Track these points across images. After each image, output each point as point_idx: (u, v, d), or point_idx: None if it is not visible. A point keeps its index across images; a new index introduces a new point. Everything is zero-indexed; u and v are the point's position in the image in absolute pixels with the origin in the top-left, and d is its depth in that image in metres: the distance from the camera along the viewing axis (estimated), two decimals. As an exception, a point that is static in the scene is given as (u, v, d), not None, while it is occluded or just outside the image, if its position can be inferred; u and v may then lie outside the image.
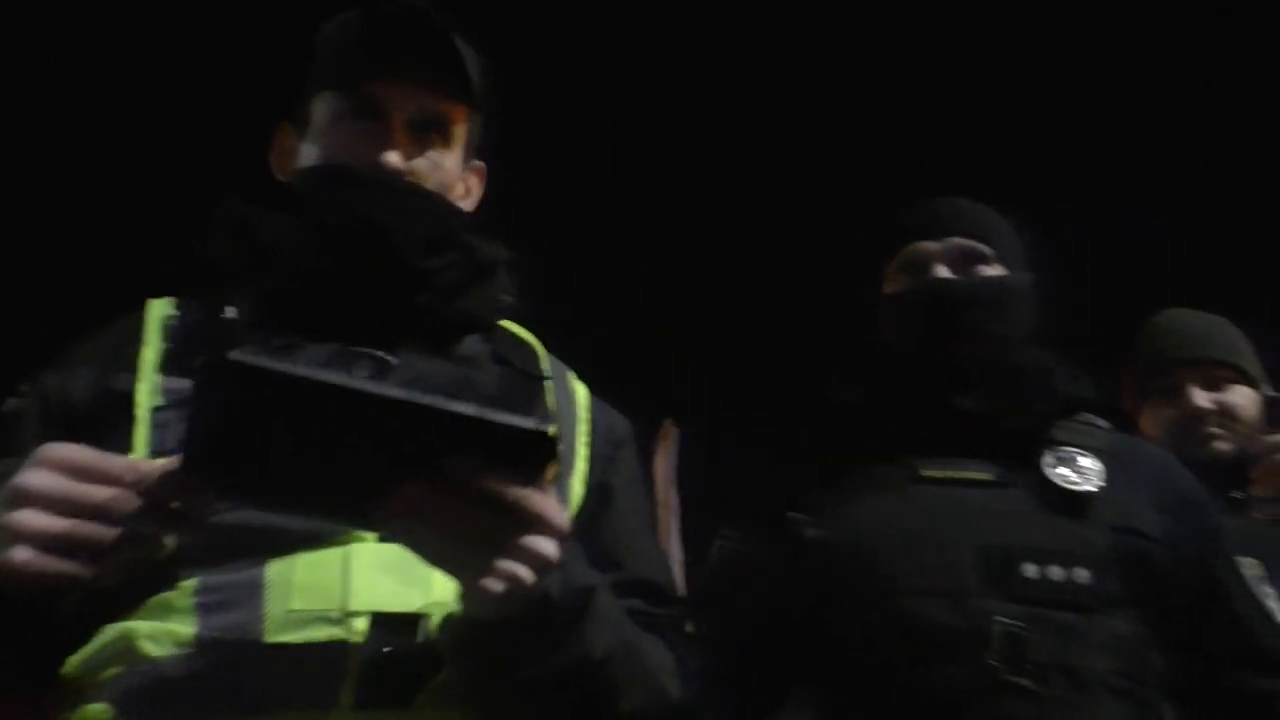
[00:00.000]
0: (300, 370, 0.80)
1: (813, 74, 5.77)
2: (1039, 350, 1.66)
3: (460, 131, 1.28)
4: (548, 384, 1.24)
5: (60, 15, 5.01)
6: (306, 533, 1.01)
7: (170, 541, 0.86)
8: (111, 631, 1.00)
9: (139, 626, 0.99)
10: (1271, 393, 2.08)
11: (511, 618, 0.91)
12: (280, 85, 1.35)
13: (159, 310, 1.19)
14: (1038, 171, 5.48)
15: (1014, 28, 5.52)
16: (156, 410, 1.08)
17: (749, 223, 6.21)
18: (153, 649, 0.98)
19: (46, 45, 5.11)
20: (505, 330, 1.29)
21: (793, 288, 5.71)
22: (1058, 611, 1.43)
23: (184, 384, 1.06)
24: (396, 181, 1.20)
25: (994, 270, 1.65)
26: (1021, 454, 1.54)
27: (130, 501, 0.83)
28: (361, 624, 0.99)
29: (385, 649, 0.99)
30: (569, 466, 1.20)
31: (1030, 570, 1.44)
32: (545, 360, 1.28)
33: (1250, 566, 1.60)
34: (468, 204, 1.35)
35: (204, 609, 1.00)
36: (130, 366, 1.12)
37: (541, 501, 0.87)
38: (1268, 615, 1.56)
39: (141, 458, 1.04)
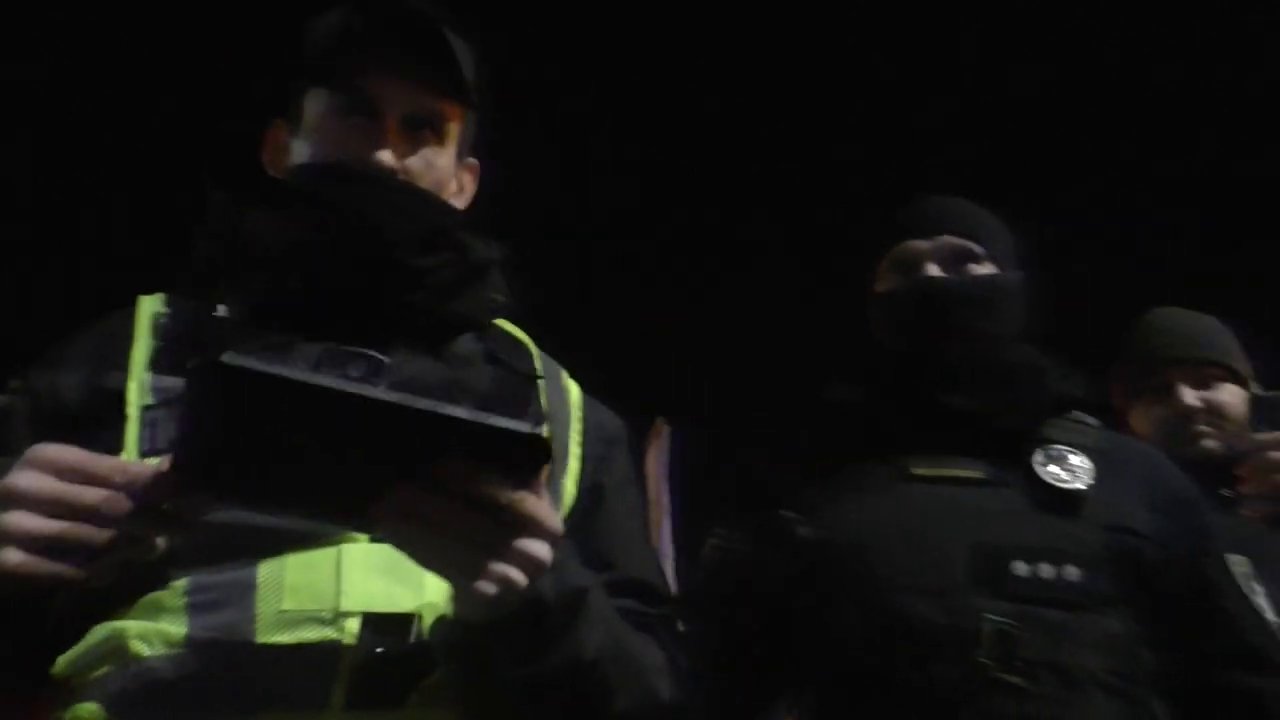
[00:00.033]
0: (293, 373, 0.80)
1: (812, 74, 5.76)
2: (1030, 348, 1.66)
3: (454, 129, 1.28)
4: (541, 383, 1.24)
5: (60, 15, 5.01)
6: (298, 533, 1.00)
7: (161, 542, 0.86)
8: (102, 631, 1.00)
9: (130, 626, 0.99)
10: (1259, 391, 2.09)
11: (504, 620, 0.91)
12: (277, 83, 1.35)
13: (149, 307, 1.18)
14: (1037, 172, 5.47)
15: (1014, 28, 5.51)
16: (147, 409, 1.07)
17: (748, 223, 6.21)
18: (144, 649, 0.98)
19: (46, 45, 5.11)
20: (499, 329, 1.29)
21: (789, 288, 5.71)
22: (1048, 609, 1.43)
23: (174, 382, 1.06)
24: (390, 180, 1.19)
25: (985, 269, 1.65)
26: (1013, 452, 1.55)
27: (121, 503, 0.83)
28: (353, 625, 0.99)
29: (377, 650, 0.99)
30: (562, 466, 1.20)
31: (1021, 568, 1.44)
32: (539, 359, 1.28)
33: (1239, 564, 1.60)
34: (461, 202, 1.35)
35: (195, 609, 0.99)
36: (121, 364, 1.11)
37: (535, 504, 0.87)
38: (1257, 613, 1.56)
39: (132, 457, 1.04)
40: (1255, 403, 1.97)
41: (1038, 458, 1.53)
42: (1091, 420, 1.66)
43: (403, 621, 1.01)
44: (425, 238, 1.20)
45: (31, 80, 5.08)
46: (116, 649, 0.99)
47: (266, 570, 1.00)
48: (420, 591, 1.01)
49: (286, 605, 0.99)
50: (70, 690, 1.00)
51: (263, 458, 0.82)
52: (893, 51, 5.75)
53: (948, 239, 1.64)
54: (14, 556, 0.83)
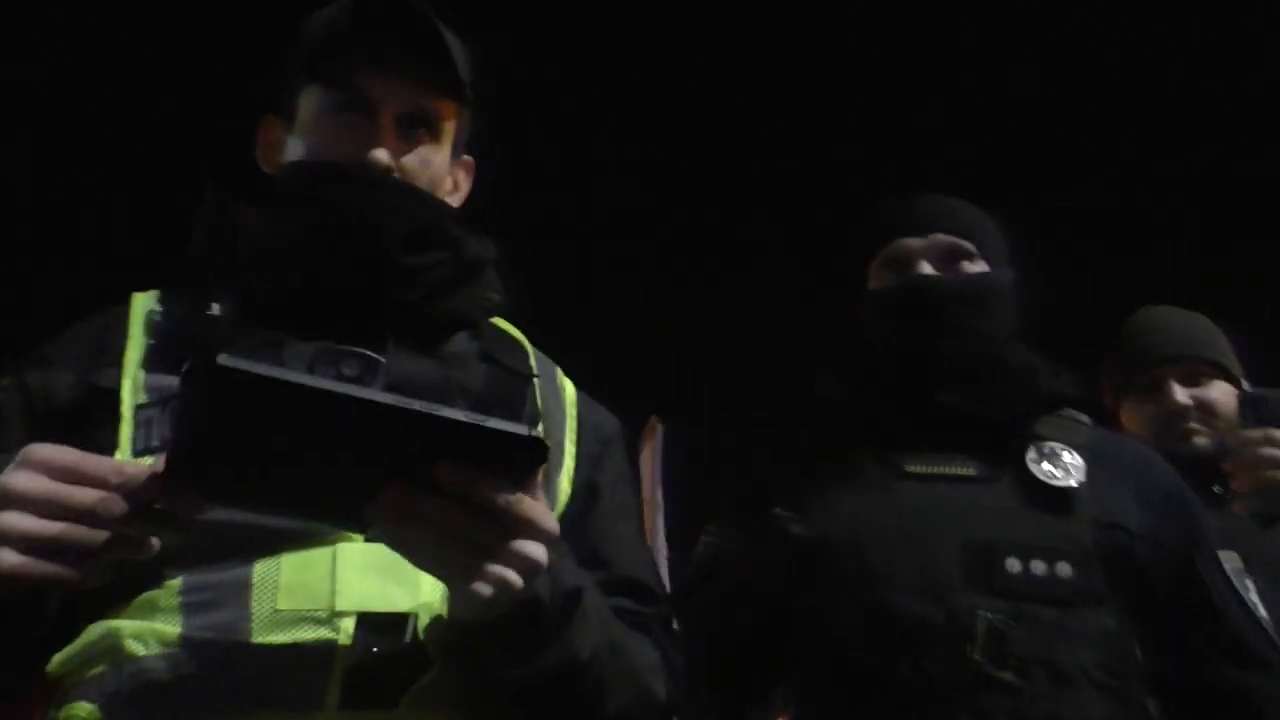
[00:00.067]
0: (289, 375, 0.79)
1: (812, 74, 5.76)
2: (1022, 346, 1.67)
3: (449, 128, 1.28)
4: (536, 381, 1.23)
5: (60, 15, 5.01)
6: (293, 532, 1.00)
7: (156, 543, 0.86)
8: (96, 630, 1.00)
9: (124, 625, 0.99)
10: (1249, 388, 2.09)
11: (499, 620, 0.91)
12: (271, 79, 1.34)
13: (143, 304, 1.17)
14: (1036, 171, 5.47)
15: (1013, 28, 5.51)
16: (141, 408, 1.07)
17: (748, 223, 6.21)
18: (138, 648, 0.98)
19: (46, 45, 5.11)
20: (494, 327, 1.28)
21: (788, 287, 5.70)
22: (1041, 606, 1.44)
23: (168, 381, 1.05)
24: (384, 178, 1.19)
25: (977, 266, 1.65)
26: (1005, 449, 1.55)
27: (116, 503, 0.82)
28: (348, 624, 0.99)
29: (372, 650, 0.98)
30: (557, 464, 1.19)
31: (1013, 565, 1.45)
32: (533, 357, 1.27)
33: (1231, 560, 1.60)
34: (457, 199, 1.34)
35: (190, 608, 0.99)
36: (114, 362, 1.11)
37: (531, 506, 0.87)
38: (1249, 609, 1.56)
39: (126, 456, 1.03)
40: (1244, 400, 1.97)
41: (1030, 455, 1.54)
42: (1084, 418, 1.66)
43: (398, 621, 1.00)
44: (419, 236, 1.19)
45: (31, 80, 5.08)
46: (111, 648, 0.98)
47: (261, 570, 1.00)
48: (416, 591, 1.01)
49: (282, 605, 0.99)
50: (64, 689, 1.00)
51: (258, 459, 0.82)
52: (893, 51, 5.75)
53: (941, 237, 1.64)
54: (10, 558, 0.82)
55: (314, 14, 1.29)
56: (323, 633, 0.98)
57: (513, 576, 0.87)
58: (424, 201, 1.22)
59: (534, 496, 0.87)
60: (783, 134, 5.98)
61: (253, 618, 0.98)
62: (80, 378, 1.11)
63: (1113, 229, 5.67)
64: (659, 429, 4.03)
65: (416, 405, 0.80)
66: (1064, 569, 1.45)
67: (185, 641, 0.97)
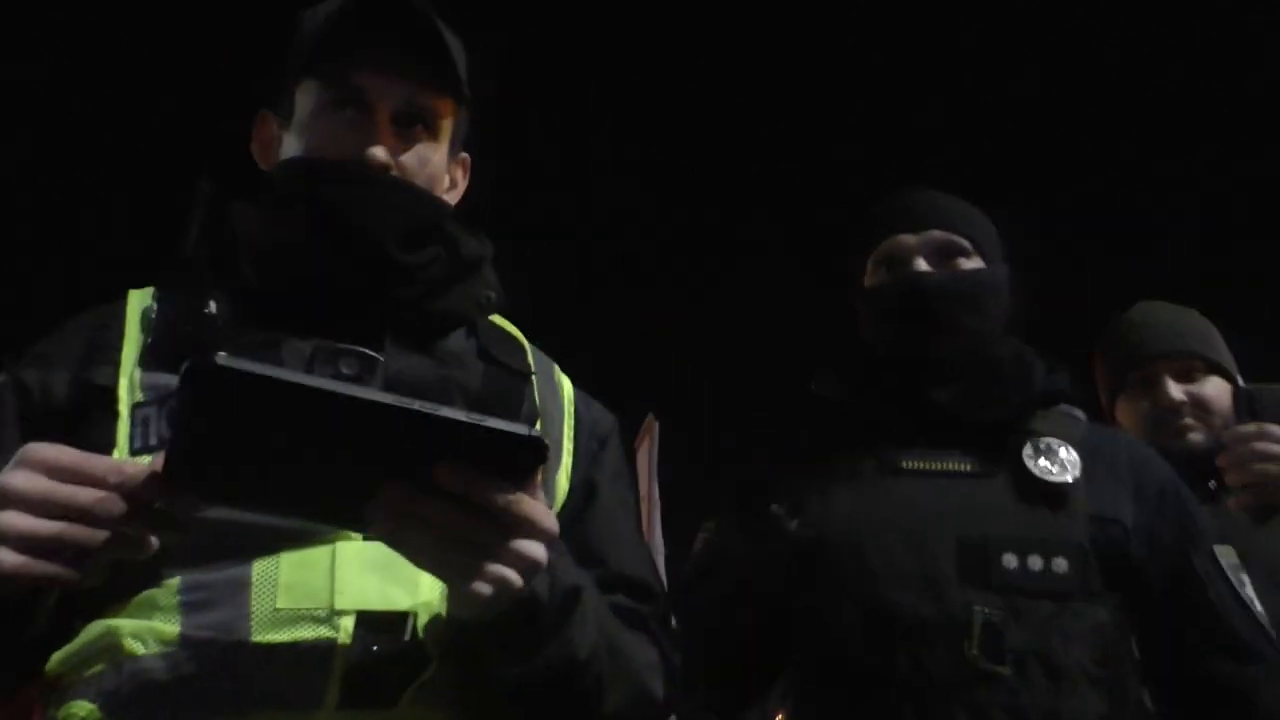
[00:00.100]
0: (288, 375, 0.79)
1: (812, 74, 5.76)
2: (1017, 342, 1.67)
3: (447, 125, 1.27)
4: (533, 379, 1.23)
5: (60, 15, 5.01)
6: (292, 531, 0.99)
7: (154, 542, 0.85)
8: (95, 629, 1.00)
9: (123, 624, 0.99)
10: (1242, 384, 2.09)
11: (498, 619, 0.91)
12: (267, 74, 1.34)
13: (139, 301, 1.17)
14: (1036, 171, 5.47)
15: (1013, 28, 5.51)
16: (138, 406, 1.06)
17: (748, 223, 6.21)
18: (137, 647, 0.98)
19: (46, 45, 5.11)
20: (491, 324, 1.28)
21: (785, 287, 5.71)
22: (1037, 601, 1.44)
23: (165, 379, 1.05)
24: (381, 176, 1.18)
25: (973, 262, 1.65)
26: (1001, 445, 1.55)
27: (115, 503, 0.82)
28: (348, 623, 0.98)
29: (372, 648, 0.98)
30: (555, 462, 1.19)
31: (1010, 560, 1.45)
32: (531, 354, 1.27)
33: (1227, 555, 1.61)
34: (454, 197, 1.34)
35: (189, 607, 0.98)
36: (109, 360, 1.10)
37: (531, 505, 0.86)
38: (1244, 603, 1.57)
39: (123, 454, 1.03)
40: (1238, 395, 1.97)
41: (1027, 451, 1.54)
42: (1079, 413, 1.66)
43: (397, 620, 1.00)
44: (416, 234, 1.19)
45: (31, 80, 5.08)
46: (110, 647, 0.98)
47: (261, 568, 1.00)
48: (415, 590, 1.01)
49: (281, 604, 0.98)
50: (63, 688, 1.00)
51: (256, 459, 0.82)
52: (893, 51, 5.75)
53: (936, 233, 1.64)
54: (9, 558, 0.82)
55: (311, 9, 1.29)
56: (322, 631, 0.98)
57: (512, 575, 0.87)
58: (421, 199, 1.22)
59: (533, 495, 0.87)
60: (783, 134, 5.98)
61: (252, 616, 0.98)
62: (76, 376, 1.10)
63: (1113, 229, 5.67)
64: (656, 426, 4.02)
65: (416, 405, 0.80)
66: (1060, 564, 1.45)
67: (184, 640, 0.97)
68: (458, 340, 1.23)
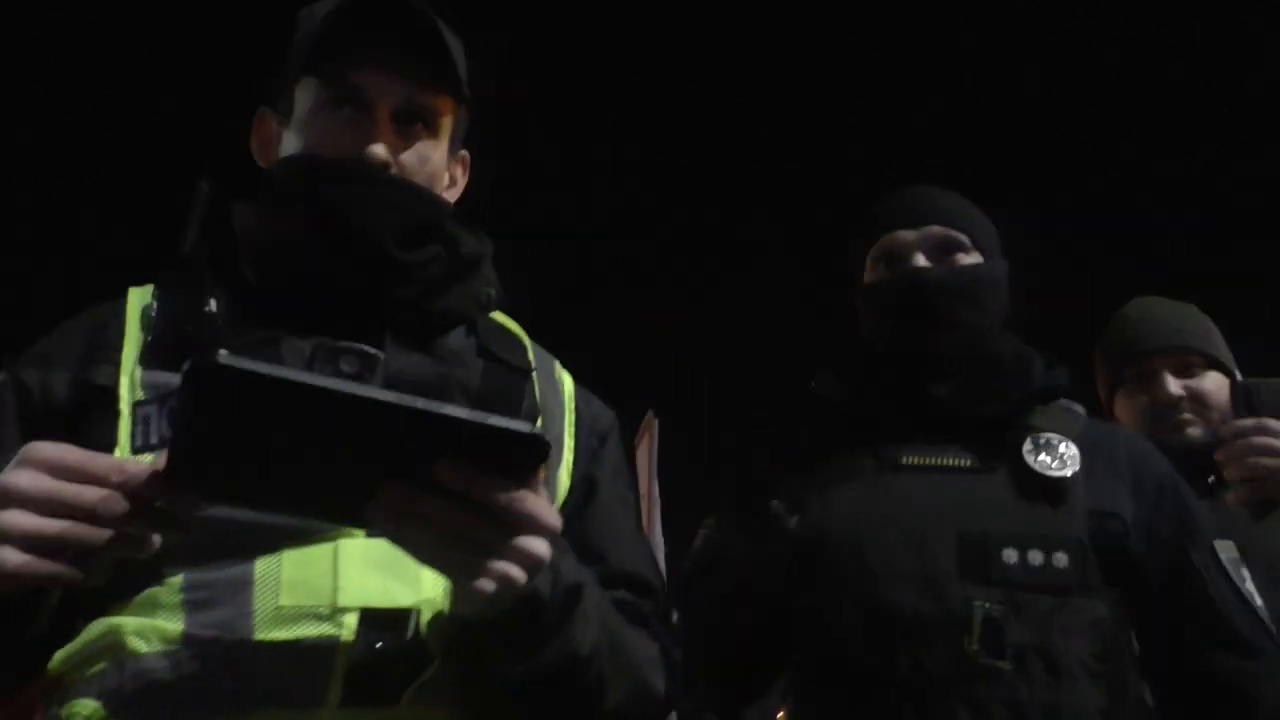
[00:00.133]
0: (290, 374, 0.79)
1: (812, 74, 5.76)
2: (1015, 338, 1.67)
3: (447, 123, 1.27)
4: (534, 375, 1.23)
5: (60, 15, 5.01)
6: (293, 529, 0.99)
7: (157, 541, 0.85)
8: (98, 627, 0.99)
9: (126, 622, 0.98)
10: (1240, 378, 2.09)
11: (501, 616, 0.91)
12: (267, 71, 1.34)
13: (138, 300, 1.16)
14: (1036, 171, 5.47)
15: (1013, 28, 5.51)
16: (139, 405, 1.06)
17: (748, 223, 6.21)
18: (141, 645, 0.97)
19: (46, 45, 5.11)
20: (491, 322, 1.28)
21: (785, 287, 5.70)
22: (1038, 595, 1.44)
23: (166, 378, 1.05)
24: (381, 174, 1.18)
25: (971, 258, 1.65)
26: (1000, 441, 1.55)
27: (117, 502, 0.82)
28: (351, 620, 0.98)
29: (375, 646, 0.98)
30: (556, 458, 1.19)
31: (1010, 556, 1.45)
32: (531, 351, 1.27)
33: (1228, 549, 1.61)
34: (453, 195, 1.34)
35: (191, 605, 0.98)
36: (110, 359, 1.10)
37: (534, 502, 0.86)
38: (1244, 598, 1.57)
39: (125, 453, 1.03)
40: (1236, 389, 1.97)
41: (1026, 446, 1.54)
42: (1079, 408, 1.66)
43: (400, 617, 1.00)
44: (416, 233, 1.19)
45: (31, 80, 5.08)
46: (113, 646, 0.98)
47: (263, 566, 1.00)
48: (417, 587, 1.01)
49: (284, 601, 0.98)
50: (66, 687, 1.00)
51: (258, 457, 0.82)
52: (893, 51, 5.76)
53: (934, 229, 1.64)
54: (12, 557, 0.82)
55: (309, 8, 1.29)
56: (325, 629, 0.98)
57: (515, 572, 0.87)
58: (421, 197, 1.22)
59: (536, 492, 0.87)
60: (783, 134, 5.98)
61: (254, 614, 0.98)
62: (76, 375, 1.10)
63: (1113, 229, 5.67)
64: (655, 424, 4.02)
65: (419, 403, 0.80)
66: (1061, 559, 1.45)
67: (187, 639, 0.97)
68: (457, 338, 1.23)
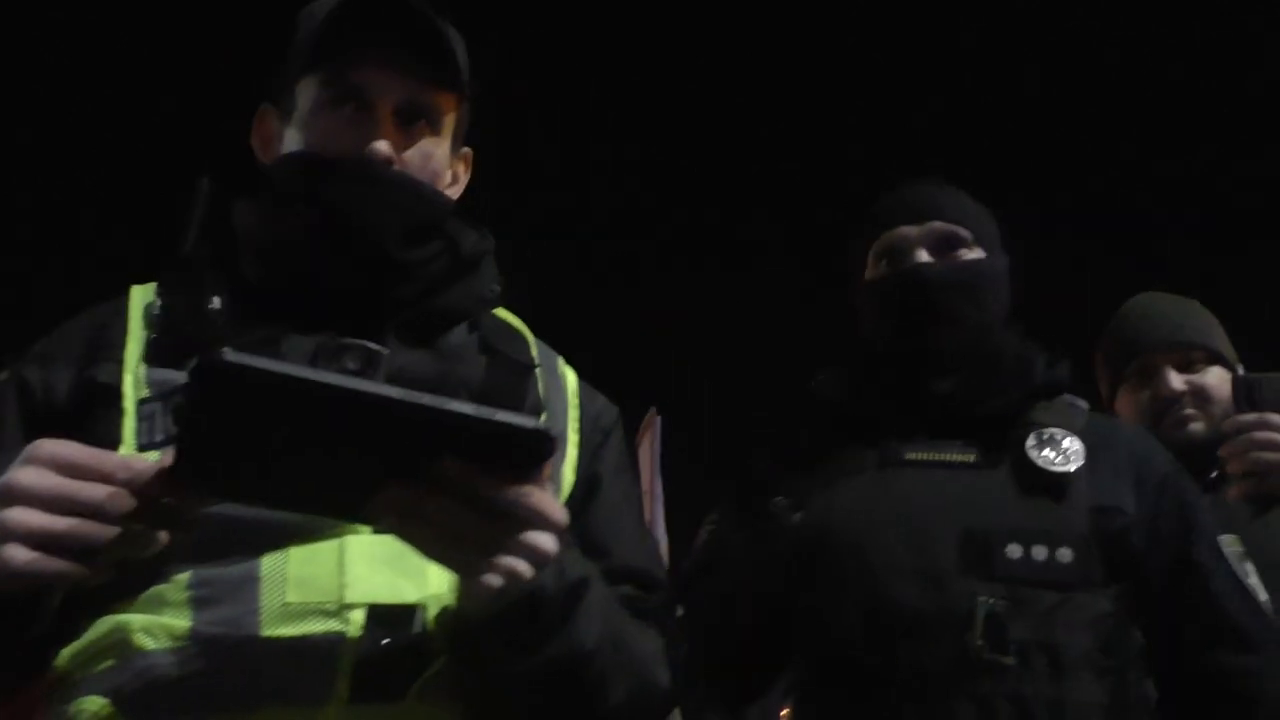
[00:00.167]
0: (297, 370, 0.79)
1: (812, 74, 5.76)
2: (1018, 334, 1.67)
3: (449, 121, 1.27)
4: (537, 371, 1.23)
5: (60, 15, 5.01)
6: (300, 526, 1.00)
7: (163, 538, 0.85)
8: (105, 625, 1.00)
9: (133, 620, 0.99)
10: (1243, 373, 2.09)
11: (507, 611, 0.91)
12: (268, 68, 1.34)
13: (141, 298, 1.17)
14: (1037, 171, 5.48)
15: (1013, 27, 5.52)
16: (143, 402, 1.06)
17: (748, 223, 6.21)
18: (147, 642, 0.98)
19: (47, 45, 5.11)
20: (494, 318, 1.28)
21: (785, 287, 5.70)
22: (1041, 591, 1.44)
23: (169, 376, 1.05)
24: (385, 172, 1.18)
25: (974, 253, 1.65)
26: (1002, 436, 1.55)
27: (124, 499, 0.82)
28: (358, 616, 0.99)
29: (382, 642, 0.98)
30: (560, 454, 1.19)
31: (1015, 551, 1.45)
32: (535, 347, 1.27)
33: (1232, 544, 1.61)
34: (455, 192, 1.34)
35: (198, 603, 0.99)
36: (113, 357, 1.10)
37: (540, 497, 0.87)
38: (1247, 593, 1.57)
39: (130, 451, 1.03)
40: (1238, 384, 1.97)
41: (1030, 442, 1.54)
42: (1082, 403, 1.66)
43: (407, 613, 1.00)
44: (415, 230, 1.19)
45: (31, 80, 5.08)
46: (120, 643, 0.98)
47: (269, 563, 1.00)
48: (423, 583, 1.01)
49: (290, 598, 0.99)
50: (73, 684, 1.00)
51: (265, 454, 0.82)
52: (893, 51, 5.76)
53: (936, 225, 1.64)
54: (19, 554, 0.82)
55: (310, 6, 1.29)
56: (332, 625, 0.98)
57: (521, 567, 0.87)
58: (423, 195, 1.22)
59: (541, 487, 0.87)
60: (783, 134, 5.99)
61: (261, 611, 0.98)
62: (79, 373, 1.10)
63: (1113, 229, 5.67)
64: (658, 421, 4.02)
65: (425, 399, 0.80)
66: (1065, 554, 1.46)
67: (194, 636, 0.97)
68: (460, 335, 1.23)
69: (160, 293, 1.16)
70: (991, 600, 1.42)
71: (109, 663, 0.98)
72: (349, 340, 1.11)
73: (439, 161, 1.26)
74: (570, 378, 1.28)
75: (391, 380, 1.08)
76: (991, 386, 1.59)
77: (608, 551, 1.18)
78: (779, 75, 5.88)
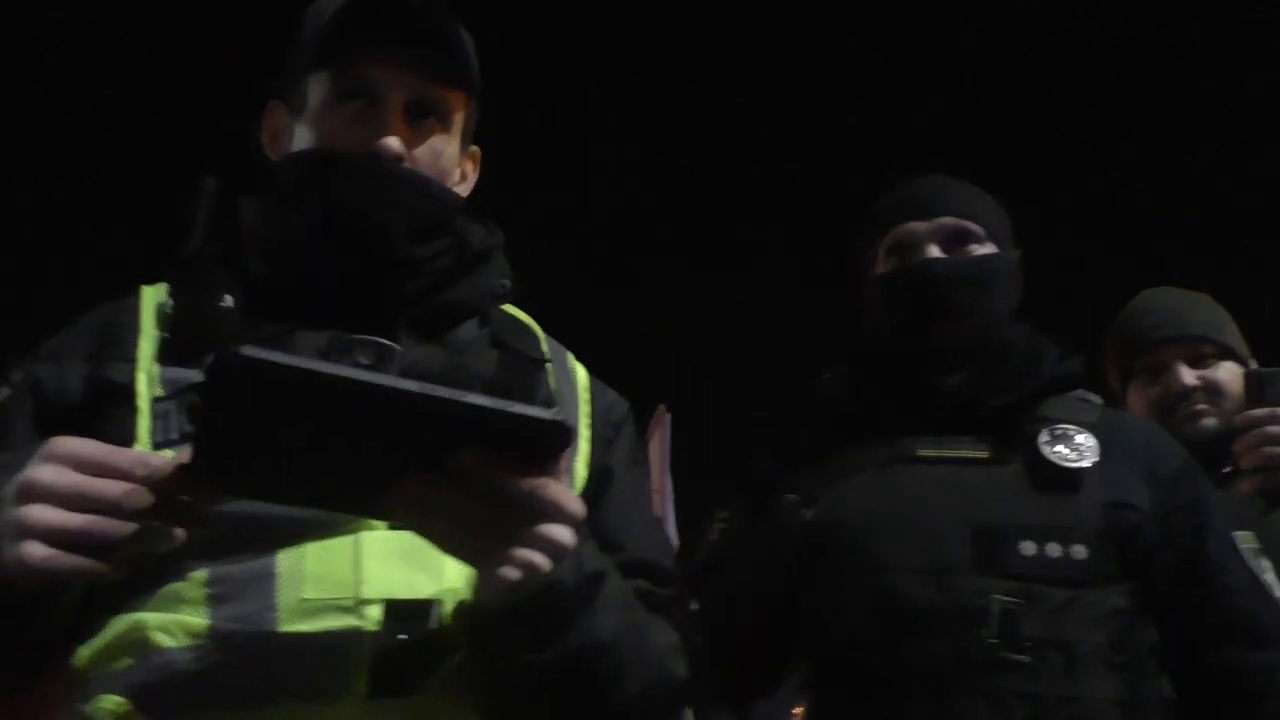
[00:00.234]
0: (316, 365, 0.79)
1: (812, 73, 5.77)
2: (1028, 329, 1.67)
3: (459, 118, 1.27)
4: (548, 366, 1.23)
5: (60, 15, 5.01)
6: (315, 521, 1.00)
7: (180, 535, 0.85)
8: (122, 623, 1.00)
9: (150, 618, 0.99)
10: (1255, 367, 2.08)
11: (524, 604, 0.91)
12: (277, 64, 1.33)
13: (152, 298, 1.17)
14: (1037, 170, 5.48)
15: (1013, 27, 5.52)
16: (157, 401, 1.06)
17: (748, 223, 6.21)
18: (165, 640, 0.98)
19: (47, 45, 5.10)
20: (504, 314, 1.28)
21: (785, 287, 5.70)
22: (1054, 588, 1.44)
23: (183, 374, 1.05)
24: (391, 168, 1.18)
25: (984, 249, 1.64)
26: (1015, 432, 1.55)
27: (142, 496, 0.82)
28: (375, 612, 0.99)
29: (399, 636, 0.98)
30: (572, 449, 1.19)
31: (1028, 548, 1.45)
32: (545, 342, 1.27)
33: (1247, 540, 1.60)
34: (464, 189, 1.33)
35: (215, 600, 0.99)
36: (125, 356, 1.10)
37: (556, 489, 0.87)
38: (1262, 588, 1.56)
39: (145, 449, 1.03)
40: (1250, 378, 1.97)
41: (1043, 437, 1.53)
42: (1094, 398, 1.66)
43: (423, 608, 1.00)
44: (424, 226, 1.19)
45: (31, 80, 5.08)
46: (138, 641, 0.98)
47: (286, 559, 1.00)
48: (439, 577, 1.01)
49: (307, 594, 0.99)
50: (89, 682, 1.00)
51: (282, 450, 0.82)
52: (893, 51, 5.76)
53: (947, 219, 1.64)
54: (37, 550, 0.82)
55: (318, 1, 1.28)
56: (349, 621, 0.98)
57: (539, 559, 0.87)
58: (431, 191, 1.21)
59: (557, 479, 0.87)
60: (783, 134, 5.99)
61: (278, 607, 0.98)
62: (91, 372, 1.10)
63: (1113, 229, 5.68)
64: (667, 418, 4.01)
65: (442, 391, 0.80)
66: (1079, 551, 1.45)
67: (212, 633, 0.97)
68: (470, 330, 1.24)
69: (172, 292, 1.16)
70: (1006, 597, 1.42)
71: (127, 661, 0.98)
72: (361, 336, 1.11)
73: (448, 159, 1.26)
74: (580, 373, 1.29)
75: (405, 375, 1.08)
76: (999, 382, 1.59)
77: (620, 546, 1.18)
78: (779, 75, 5.89)
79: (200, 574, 0.99)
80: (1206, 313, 2.21)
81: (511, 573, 0.87)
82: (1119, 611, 1.46)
